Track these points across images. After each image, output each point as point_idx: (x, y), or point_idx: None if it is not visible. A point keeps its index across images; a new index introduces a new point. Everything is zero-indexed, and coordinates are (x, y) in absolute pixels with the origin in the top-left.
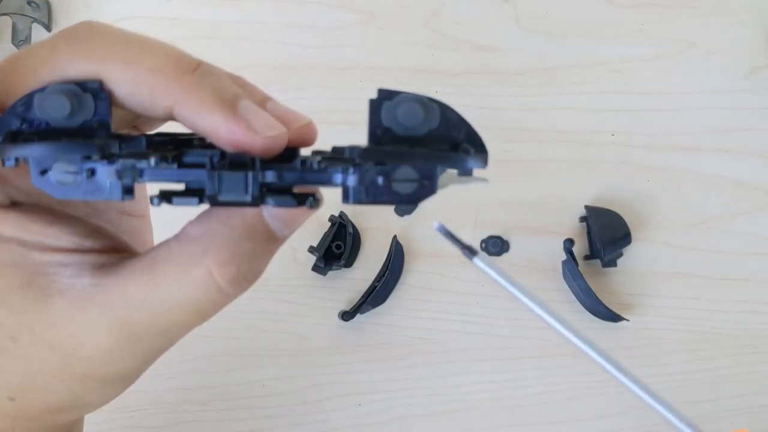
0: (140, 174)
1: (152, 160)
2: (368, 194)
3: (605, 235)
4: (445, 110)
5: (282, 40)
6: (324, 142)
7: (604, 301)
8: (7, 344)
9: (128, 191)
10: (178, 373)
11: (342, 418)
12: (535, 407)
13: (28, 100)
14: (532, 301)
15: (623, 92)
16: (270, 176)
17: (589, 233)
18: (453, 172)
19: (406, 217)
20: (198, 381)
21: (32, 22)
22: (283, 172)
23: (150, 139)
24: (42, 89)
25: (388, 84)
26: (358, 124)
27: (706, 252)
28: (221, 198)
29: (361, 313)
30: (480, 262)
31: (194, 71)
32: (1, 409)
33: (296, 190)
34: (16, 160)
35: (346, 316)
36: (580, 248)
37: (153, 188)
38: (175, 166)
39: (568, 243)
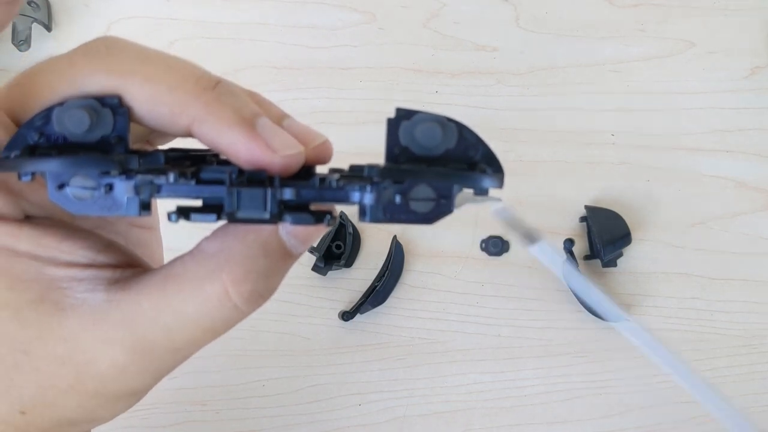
0: (158, 190)
1: (171, 176)
2: (386, 213)
3: (605, 235)
4: (462, 130)
5: (282, 41)
6: None
7: None
8: (20, 358)
9: (146, 207)
10: (178, 373)
11: (342, 418)
12: (535, 407)
13: (46, 114)
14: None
15: (623, 92)
16: (288, 194)
17: (589, 233)
18: (469, 191)
19: None
20: (198, 381)
21: (32, 22)
22: (301, 190)
23: (167, 154)
24: (61, 104)
25: (387, 84)
26: (358, 124)
27: (706, 252)
28: (239, 215)
29: (361, 313)
30: (537, 249)
31: (214, 89)
32: (12, 423)
33: (313, 207)
34: (33, 174)
35: (346, 316)
36: (580, 248)
37: (170, 204)
38: (193, 182)
39: (568, 243)
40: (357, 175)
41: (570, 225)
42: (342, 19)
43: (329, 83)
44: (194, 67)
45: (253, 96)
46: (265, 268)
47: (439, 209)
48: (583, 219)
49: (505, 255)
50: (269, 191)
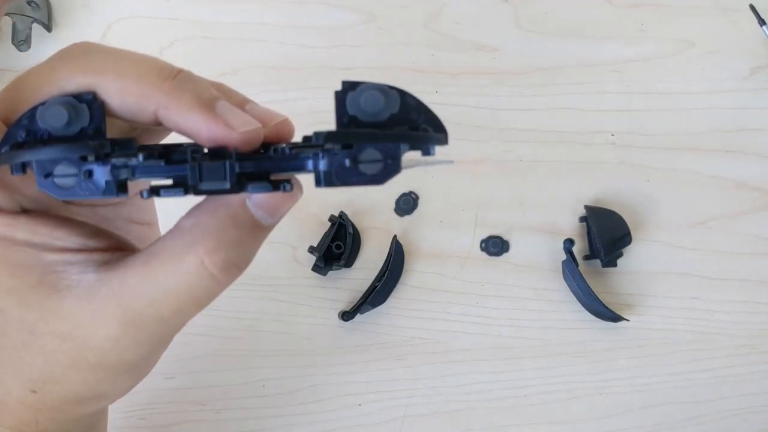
0: (132, 172)
1: (140, 157)
2: (338, 177)
3: (605, 235)
4: (404, 96)
5: (282, 41)
6: None
7: (604, 301)
8: (26, 338)
9: (122, 189)
10: (177, 373)
11: (342, 418)
12: (535, 407)
13: (31, 113)
14: None
15: (623, 92)
16: (247, 165)
17: (589, 233)
18: (417, 153)
19: (406, 217)
20: (198, 381)
21: (32, 22)
22: (258, 161)
23: (144, 145)
24: (43, 103)
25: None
26: None
27: (706, 252)
28: (203, 187)
29: (361, 313)
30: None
31: (175, 78)
32: (25, 402)
33: (273, 177)
34: (23, 166)
35: (346, 316)
36: (580, 248)
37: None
38: (162, 162)
39: (568, 243)
40: (308, 144)
41: (570, 225)
42: (342, 19)
43: (329, 83)
44: (158, 61)
45: (217, 85)
46: (237, 239)
47: (387, 170)
48: (583, 219)
49: (505, 255)
50: (227, 163)
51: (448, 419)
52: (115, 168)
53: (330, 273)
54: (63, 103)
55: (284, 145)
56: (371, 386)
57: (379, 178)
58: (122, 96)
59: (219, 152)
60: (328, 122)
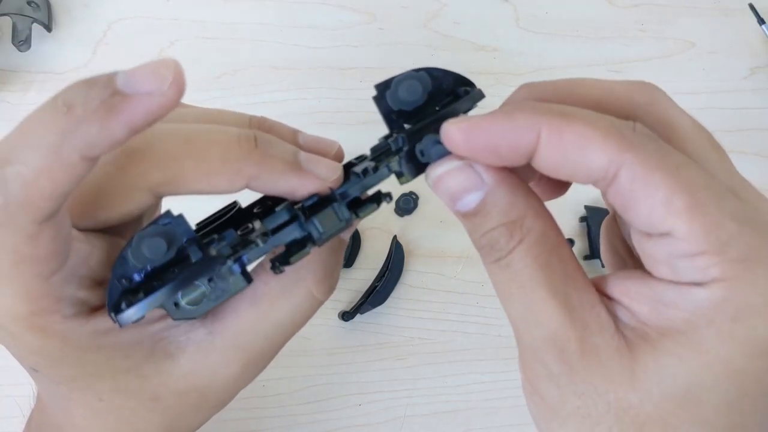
0: (251, 259)
1: (260, 242)
2: (417, 169)
3: None
4: (431, 72)
5: (282, 41)
6: None
7: None
8: (150, 404)
9: (248, 277)
10: None
11: (342, 418)
12: None
13: (122, 260)
14: None
15: None
16: (353, 194)
17: (589, 233)
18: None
19: (406, 217)
20: None
21: (32, 22)
22: (355, 187)
23: (233, 226)
24: (129, 244)
25: None
26: (358, 124)
27: None
28: (325, 237)
29: (361, 313)
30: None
31: (257, 147)
32: None
33: (363, 196)
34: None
35: (346, 316)
36: (580, 248)
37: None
38: (270, 237)
39: (568, 243)
40: (383, 151)
41: (570, 225)
42: (342, 19)
43: (329, 83)
44: (228, 132)
45: (262, 121)
46: (335, 262)
47: None
48: (583, 219)
49: None
50: (335, 205)
51: (448, 419)
52: (236, 264)
53: None
54: (154, 234)
55: (359, 162)
56: (371, 386)
57: (447, 151)
58: (208, 179)
59: (316, 201)
60: (327, 122)
